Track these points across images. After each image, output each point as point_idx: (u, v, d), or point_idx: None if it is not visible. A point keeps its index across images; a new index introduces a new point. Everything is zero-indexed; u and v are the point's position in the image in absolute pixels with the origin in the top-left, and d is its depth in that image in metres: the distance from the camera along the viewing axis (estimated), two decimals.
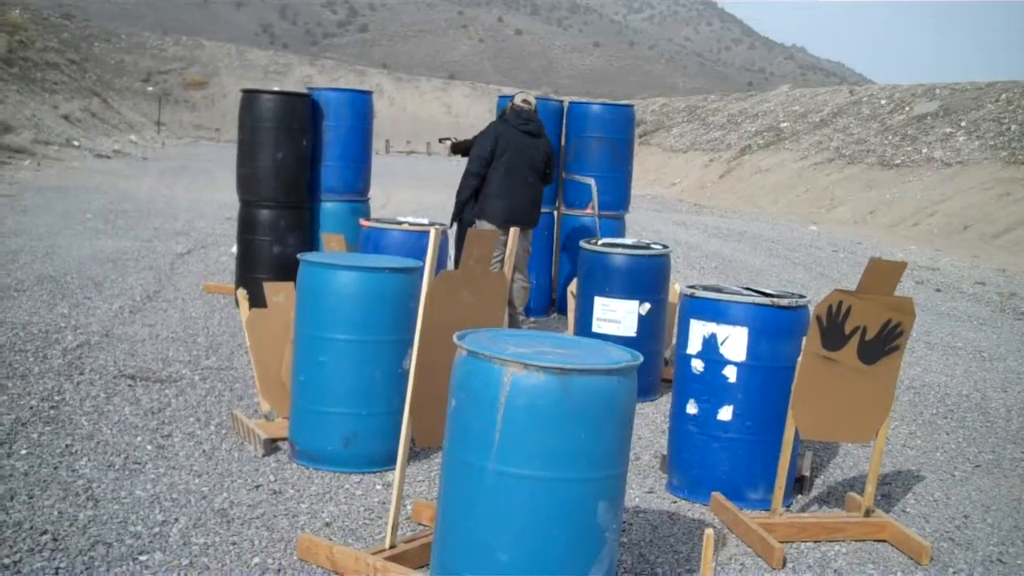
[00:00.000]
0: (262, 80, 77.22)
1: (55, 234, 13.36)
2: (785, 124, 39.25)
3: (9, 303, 8.91)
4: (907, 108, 33.63)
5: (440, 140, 10.23)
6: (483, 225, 8.36)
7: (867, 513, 5.20)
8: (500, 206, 8.38)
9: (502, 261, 8.60)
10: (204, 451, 5.62)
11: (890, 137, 31.64)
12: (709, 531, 3.66)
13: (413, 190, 26.56)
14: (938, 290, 14.75)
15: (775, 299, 5.33)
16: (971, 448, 6.97)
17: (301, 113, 9.55)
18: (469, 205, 8.55)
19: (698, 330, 5.44)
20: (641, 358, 3.68)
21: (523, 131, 8.45)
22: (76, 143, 32.36)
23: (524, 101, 8.63)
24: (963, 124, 29.55)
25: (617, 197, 10.00)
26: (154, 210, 17.61)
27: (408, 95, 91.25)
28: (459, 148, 9.51)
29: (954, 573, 4.82)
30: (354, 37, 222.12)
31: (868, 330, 4.99)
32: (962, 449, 6.93)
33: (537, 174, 8.56)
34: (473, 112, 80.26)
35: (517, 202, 8.43)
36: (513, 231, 5.06)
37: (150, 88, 73.98)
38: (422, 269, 4.34)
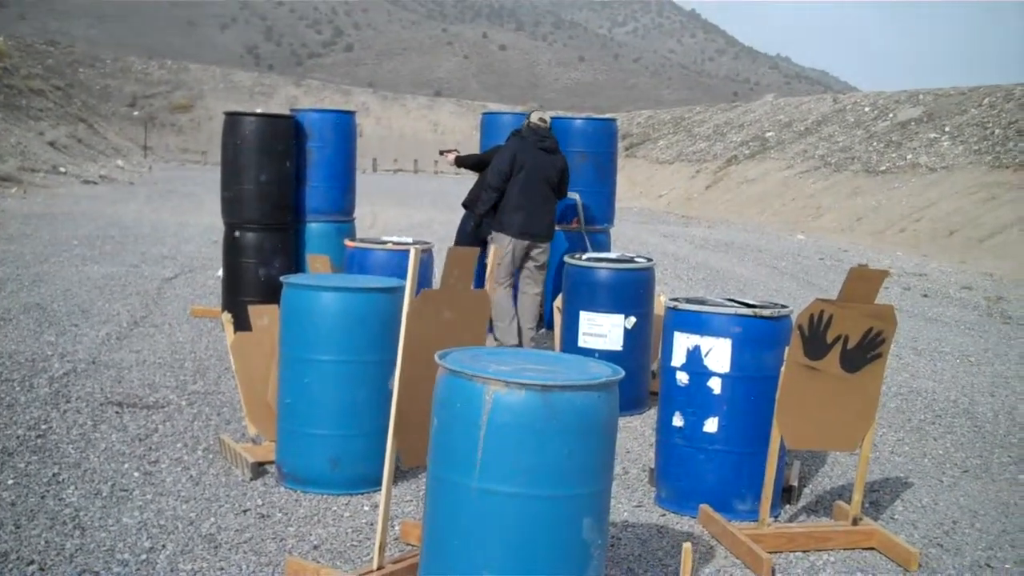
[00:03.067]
0: (248, 102, 77.18)
1: (42, 261, 13.34)
2: (770, 134, 39.38)
3: None
4: (891, 115, 33.78)
5: (441, 152, 10.32)
6: (501, 237, 8.54)
7: (855, 521, 5.22)
8: (518, 219, 8.59)
9: (519, 275, 8.75)
10: (191, 476, 5.62)
11: (875, 144, 31.76)
12: (687, 545, 3.67)
13: (400, 208, 26.58)
14: (925, 296, 14.80)
15: (757, 310, 5.35)
16: (959, 453, 6.99)
17: (284, 135, 9.57)
18: (486, 219, 8.71)
19: (682, 342, 5.45)
20: (623, 373, 3.69)
21: (540, 148, 8.67)
22: (63, 169, 32.32)
23: (540, 119, 8.86)
24: (947, 129, 29.68)
25: (602, 211, 10.02)
26: (141, 235, 17.59)
27: (394, 113, 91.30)
28: (464, 162, 9.67)
29: None
30: (339, 57, 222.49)
31: (850, 338, 5.01)
32: (950, 454, 6.95)
33: (552, 189, 8.77)
34: (459, 129, 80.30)
35: (534, 216, 8.64)
36: (496, 247, 5.07)
37: (136, 113, 73.89)
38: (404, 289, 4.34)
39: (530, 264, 8.76)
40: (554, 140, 8.87)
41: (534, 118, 8.89)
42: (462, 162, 9.74)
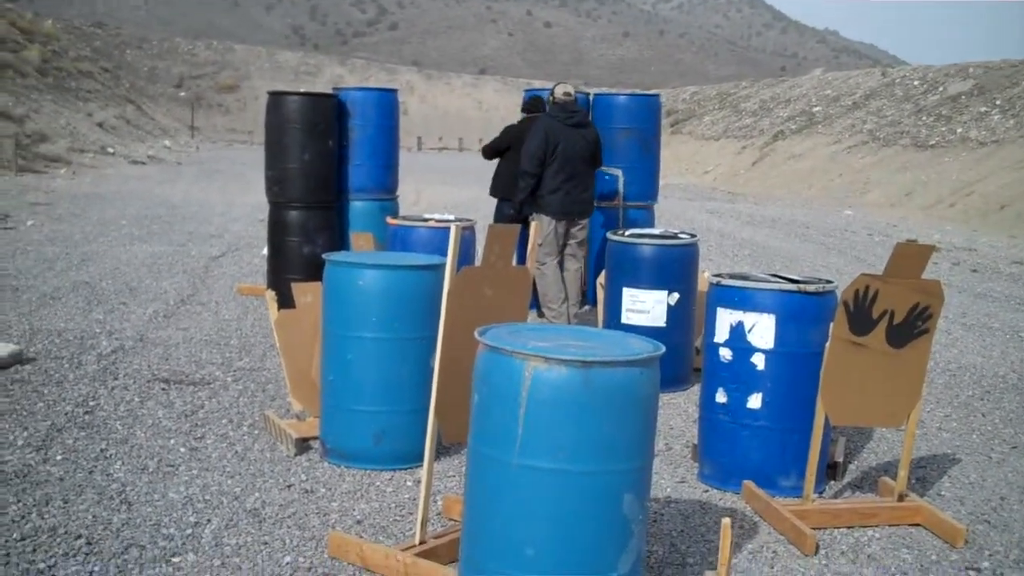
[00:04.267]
0: (293, 81, 77.58)
1: (90, 241, 13.50)
2: (818, 108, 38.98)
3: (46, 310, 9.02)
4: (941, 88, 33.30)
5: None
6: (542, 219, 8.43)
7: (901, 497, 5.17)
8: (558, 201, 8.49)
9: (562, 252, 8.69)
10: (236, 452, 5.67)
11: (924, 118, 31.35)
12: (726, 520, 3.65)
13: (445, 186, 26.60)
14: (975, 271, 14.61)
15: (802, 285, 5.30)
16: (1008, 429, 6.90)
17: (327, 113, 9.59)
18: (527, 203, 8.62)
19: (725, 318, 5.41)
20: (663, 349, 3.66)
21: (569, 124, 8.49)
22: (111, 150, 32.66)
23: (565, 94, 8.68)
24: (998, 103, 29.22)
25: (645, 187, 9.97)
26: (188, 214, 17.75)
27: (439, 91, 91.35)
28: (486, 153, 9.66)
29: (989, 555, 4.77)
30: (384, 35, 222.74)
31: (896, 314, 4.95)
32: (998, 430, 6.87)
33: (587, 164, 8.65)
34: (504, 106, 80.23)
35: (573, 195, 8.55)
36: (537, 223, 5.06)
37: (183, 93, 74.48)
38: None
39: (571, 241, 8.71)
40: (583, 112, 8.74)
41: (558, 92, 8.71)
42: (486, 153, 9.72)
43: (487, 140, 10.62)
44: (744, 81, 57.95)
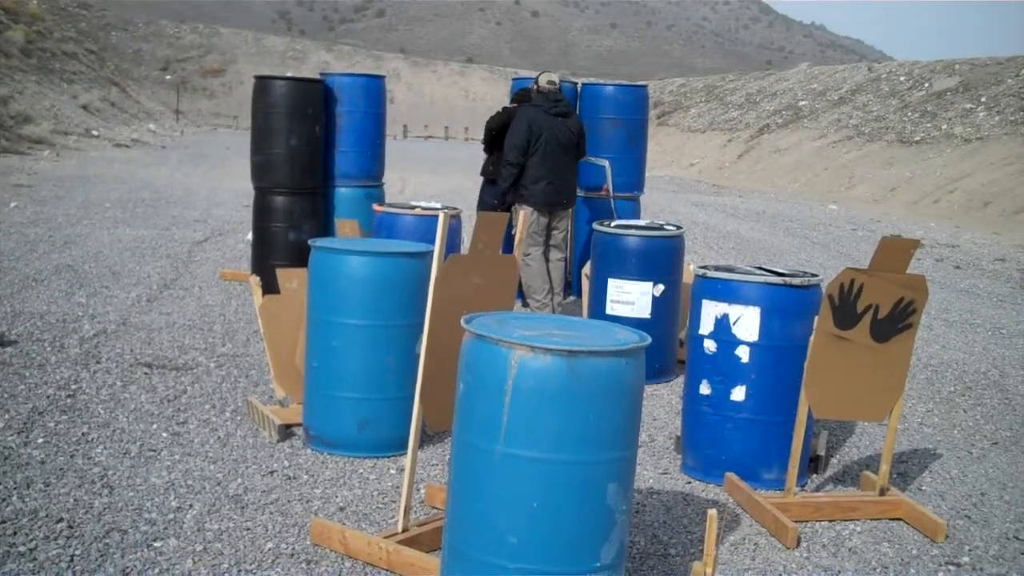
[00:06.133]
0: (279, 66, 77.22)
1: (74, 223, 13.42)
2: (804, 102, 39.03)
3: (28, 293, 8.97)
4: (926, 84, 33.37)
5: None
6: (525, 209, 8.39)
7: (882, 492, 5.19)
8: (541, 191, 8.46)
9: (546, 243, 8.67)
10: (219, 438, 5.66)
11: (909, 114, 31.41)
12: (712, 512, 3.66)
13: (431, 175, 26.53)
14: (957, 267, 14.66)
15: (787, 278, 5.31)
16: (989, 425, 6.94)
17: (314, 99, 9.55)
18: (509, 193, 8.58)
19: (710, 310, 5.42)
20: (649, 339, 3.66)
21: (553, 114, 8.46)
22: (95, 133, 32.45)
23: (549, 82, 8.66)
24: (983, 100, 29.30)
25: (632, 178, 9.97)
26: (172, 198, 17.66)
27: (425, 79, 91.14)
28: (490, 144, 9.41)
29: (970, 551, 4.80)
30: (371, 22, 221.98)
31: (880, 308, 4.96)
32: (980, 426, 6.90)
33: (570, 154, 8.63)
34: (491, 95, 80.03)
35: (555, 185, 8.52)
36: (524, 213, 5.05)
37: (168, 76, 74.06)
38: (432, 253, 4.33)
39: (554, 232, 8.70)
40: (566, 102, 8.72)
41: (542, 81, 8.69)
42: (485, 138, 9.57)
43: (474, 130, 10.57)
44: (731, 74, 57.93)
